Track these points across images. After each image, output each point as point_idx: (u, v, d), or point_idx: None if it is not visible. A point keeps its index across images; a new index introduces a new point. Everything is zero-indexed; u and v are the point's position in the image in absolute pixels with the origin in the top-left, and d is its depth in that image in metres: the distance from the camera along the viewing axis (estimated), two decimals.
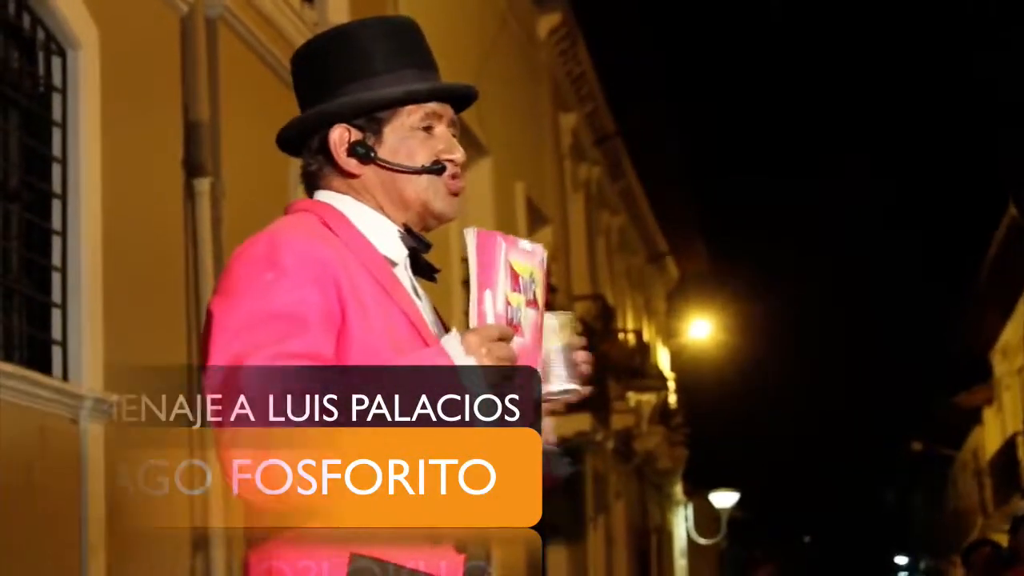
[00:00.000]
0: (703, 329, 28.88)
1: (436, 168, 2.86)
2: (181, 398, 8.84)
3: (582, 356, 2.98)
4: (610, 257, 24.03)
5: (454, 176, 2.89)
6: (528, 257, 2.85)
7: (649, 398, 21.73)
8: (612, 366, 20.01)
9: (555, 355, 2.97)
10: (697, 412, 30.35)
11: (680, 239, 29.29)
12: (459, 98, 2.96)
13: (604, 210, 23.42)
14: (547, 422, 3.01)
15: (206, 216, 8.92)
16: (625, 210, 25.98)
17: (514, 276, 2.81)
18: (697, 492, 32.07)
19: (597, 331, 19.42)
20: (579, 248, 21.07)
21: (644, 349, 23.38)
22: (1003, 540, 8.96)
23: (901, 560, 75.64)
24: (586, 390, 2.98)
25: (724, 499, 32.10)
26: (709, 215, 31.60)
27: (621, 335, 22.13)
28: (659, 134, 23.10)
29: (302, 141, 2.89)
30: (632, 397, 21.47)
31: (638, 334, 23.98)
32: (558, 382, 2.96)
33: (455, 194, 2.92)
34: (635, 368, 21.64)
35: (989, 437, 34.39)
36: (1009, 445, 28.52)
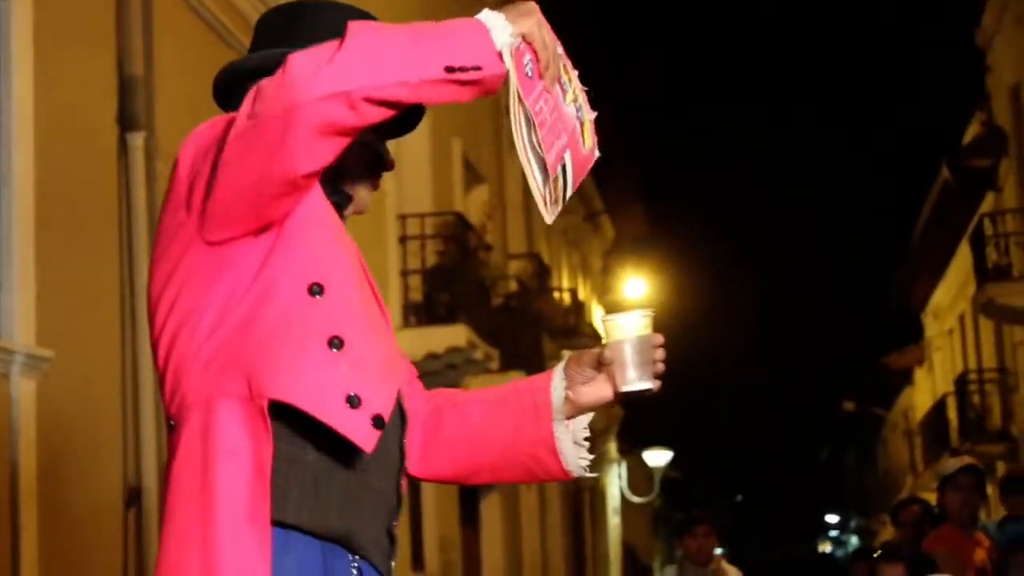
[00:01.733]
0: (638, 288, 28.94)
1: (383, 155, 2.91)
2: (115, 352, 8.78)
3: (660, 354, 2.93)
4: None
5: (379, 177, 2.94)
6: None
7: None
8: (547, 324, 20.03)
9: (631, 351, 2.90)
10: None
11: (617, 199, 29.32)
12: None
13: None
14: (584, 418, 3.04)
15: (140, 170, 8.86)
16: None
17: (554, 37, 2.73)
18: (631, 451, 32.20)
19: (532, 289, 19.45)
20: (515, 206, 21.06)
21: (579, 307, 23.44)
22: (932, 499, 9.05)
23: (832, 518, 76.31)
24: (657, 385, 2.93)
25: (658, 458, 32.22)
26: (647, 175, 31.68)
27: (556, 293, 22.18)
28: (598, 93, 23.05)
29: (260, 75, 2.77)
30: (567, 355, 21.50)
31: (573, 292, 24.03)
32: (636, 380, 2.91)
33: (374, 189, 2.94)
34: (570, 326, 21.68)
35: (920, 398, 34.71)
36: (939, 405, 28.79)
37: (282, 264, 2.66)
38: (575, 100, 2.77)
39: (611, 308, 30.00)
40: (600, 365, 2.94)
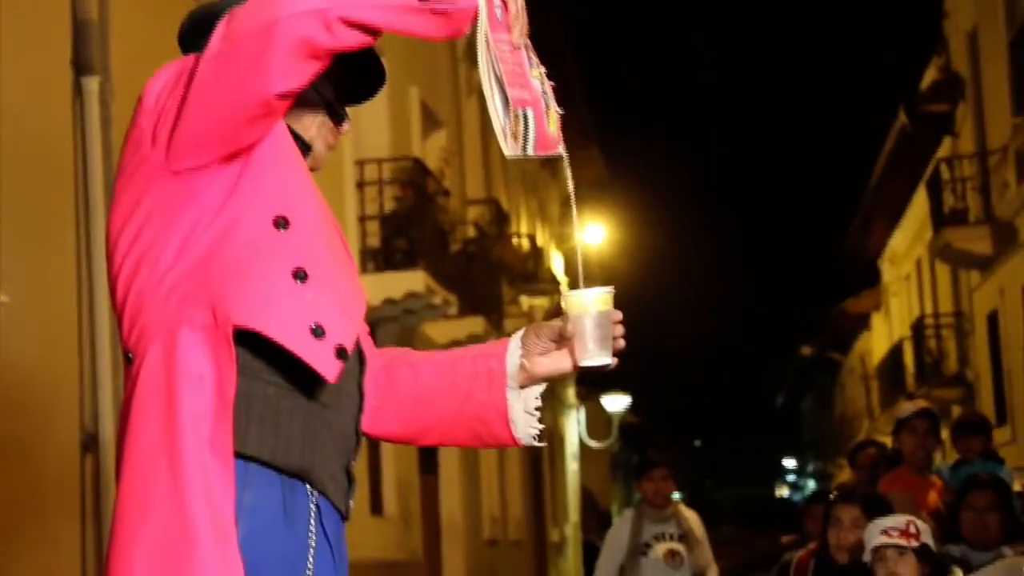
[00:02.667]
0: (597, 235, 28.98)
1: (341, 115, 2.96)
2: (71, 298, 8.75)
3: (619, 330, 2.94)
4: (504, 161, 24.00)
5: (335, 136, 2.98)
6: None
7: (542, 302, 21.81)
8: (505, 270, 20.05)
9: (592, 326, 2.90)
10: None
11: (576, 144, 29.28)
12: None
13: None
14: (537, 388, 3.05)
15: (95, 116, 8.80)
16: None
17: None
18: (589, 396, 32.30)
19: (491, 235, 19.44)
20: (473, 152, 21.03)
21: (538, 253, 23.46)
22: (889, 442, 9.11)
23: (790, 463, 76.90)
24: (615, 361, 2.95)
25: (616, 403, 32.39)
26: (605, 121, 31.67)
27: (515, 239, 22.17)
28: (556, 39, 23.05)
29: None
30: (525, 301, 21.55)
31: (532, 238, 24.03)
32: (595, 355, 2.92)
33: (330, 148, 2.98)
34: (529, 272, 21.70)
35: (877, 342, 34.90)
36: (896, 350, 28.95)
37: (248, 197, 2.68)
38: (542, 83, 2.81)
39: (570, 254, 30.08)
40: (560, 339, 2.95)
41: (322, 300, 2.68)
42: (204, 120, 2.61)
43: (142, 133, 2.73)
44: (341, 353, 2.68)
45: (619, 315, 2.93)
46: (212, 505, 2.57)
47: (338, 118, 2.96)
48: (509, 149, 2.76)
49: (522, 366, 2.98)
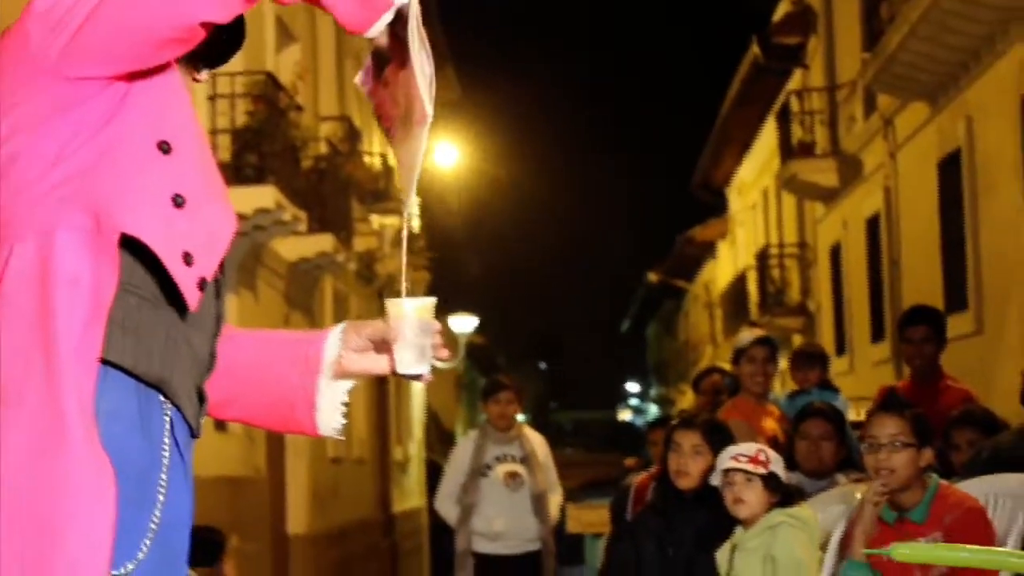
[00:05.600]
0: (450, 155, 28.93)
1: (200, 66, 2.97)
2: None
3: (438, 340, 2.98)
4: None
5: (191, 83, 2.97)
6: None
7: (392, 221, 21.76)
8: (356, 187, 19.96)
9: (411, 334, 2.93)
10: (440, 237, 30.58)
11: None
12: None
13: None
14: (346, 384, 3.07)
15: None
16: None
17: None
18: (436, 316, 32.31)
19: (343, 152, 19.34)
20: (327, 68, 20.85)
21: (389, 172, 23.35)
22: (730, 369, 9.26)
23: (633, 387, 77.76)
24: (429, 372, 3.00)
25: (463, 324, 32.50)
26: (459, 43, 31.58)
27: (367, 157, 22.06)
28: None
29: None
30: (376, 219, 21.48)
31: (383, 157, 23.92)
32: (412, 364, 2.95)
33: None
34: (379, 190, 21.61)
35: (722, 271, 35.33)
36: (740, 279, 29.33)
37: (132, 117, 2.66)
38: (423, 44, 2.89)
39: (422, 174, 29.99)
40: (381, 342, 2.99)
41: (195, 230, 2.68)
42: (118, 32, 2.57)
43: (27, 34, 2.65)
44: (203, 285, 2.69)
45: (438, 326, 2.98)
46: (82, 406, 2.55)
47: (198, 67, 2.97)
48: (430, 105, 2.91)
49: (338, 358, 3.01)
